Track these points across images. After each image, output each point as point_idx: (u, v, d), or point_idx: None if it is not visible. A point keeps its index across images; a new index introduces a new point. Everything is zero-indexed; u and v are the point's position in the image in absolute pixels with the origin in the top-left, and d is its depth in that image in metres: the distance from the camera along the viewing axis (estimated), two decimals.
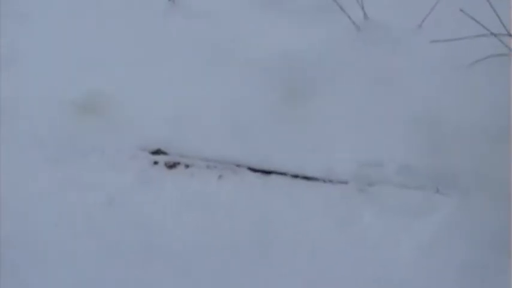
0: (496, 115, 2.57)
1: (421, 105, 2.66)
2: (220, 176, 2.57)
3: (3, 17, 3.22)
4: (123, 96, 2.83)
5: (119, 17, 3.17)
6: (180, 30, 3.08)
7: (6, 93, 2.88)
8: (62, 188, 2.55)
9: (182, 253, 2.35)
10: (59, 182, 2.57)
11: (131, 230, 2.42)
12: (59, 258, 2.37)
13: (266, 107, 2.73)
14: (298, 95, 2.77)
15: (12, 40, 3.12)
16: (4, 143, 2.71)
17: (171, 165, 2.64)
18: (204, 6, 3.16)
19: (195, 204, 2.49)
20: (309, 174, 2.54)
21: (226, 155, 2.62)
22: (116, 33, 3.09)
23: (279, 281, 2.28)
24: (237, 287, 2.28)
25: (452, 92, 2.70)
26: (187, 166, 2.63)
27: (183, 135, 2.70)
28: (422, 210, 2.38)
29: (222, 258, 2.34)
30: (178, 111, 2.76)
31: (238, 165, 2.60)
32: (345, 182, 2.49)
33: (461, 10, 2.64)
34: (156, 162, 2.64)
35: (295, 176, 2.54)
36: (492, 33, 2.66)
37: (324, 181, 2.52)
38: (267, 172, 2.57)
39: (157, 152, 2.67)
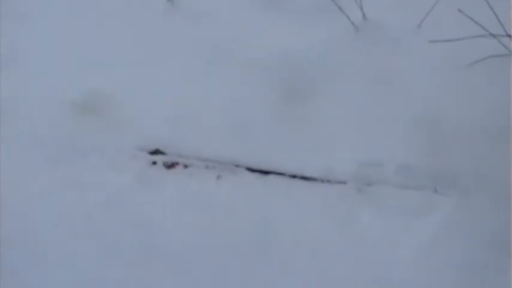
0: (496, 115, 2.57)
1: (421, 105, 2.66)
2: (218, 176, 2.57)
3: (3, 17, 3.21)
4: (123, 96, 2.83)
5: (119, 17, 3.17)
6: (180, 30, 3.08)
7: (6, 93, 2.87)
8: (62, 188, 2.55)
9: (182, 253, 2.35)
10: (59, 182, 2.57)
11: (131, 230, 2.42)
12: (59, 258, 2.37)
13: (266, 107, 2.73)
14: (298, 95, 2.77)
15: (12, 40, 3.11)
16: (4, 143, 2.71)
17: (170, 165, 2.64)
18: (204, 6, 3.16)
19: (195, 204, 2.49)
20: (308, 174, 2.54)
21: (225, 155, 2.62)
22: (116, 33, 3.09)
23: (279, 281, 2.28)
24: (237, 287, 2.28)
25: (452, 92, 2.70)
26: (186, 166, 2.63)
27: (183, 135, 2.70)
28: (422, 210, 2.39)
29: (222, 258, 2.34)
30: (178, 111, 2.76)
31: (236, 166, 2.60)
32: (344, 182, 2.49)
33: (459, 11, 2.64)
34: (154, 163, 2.64)
35: (294, 176, 2.54)
36: (491, 34, 2.66)
37: (322, 181, 2.52)
38: (266, 172, 2.57)
39: (155, 152, 2.67)
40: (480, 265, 2.24)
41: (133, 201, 2.50)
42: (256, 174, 2.57)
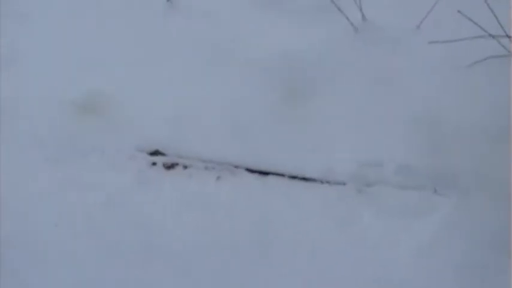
0: (496, 115, 2.57)
1: (421, 105, 2.66)
2: (218, 177, 2.57)
3: (3, 17, 3.21)
4: (123, 96, 2.83)
5: (119, 17, 3.17)
6: (180, 30, 3.08)
7: (6, 93, 2.87)
8: (62, 188, 2.55)
9: (182, 253, 2.35)
10: (59, 182, 2.57)
11: (131, 230, 2.42)
12: (59, 258, 2.37)
13: (266, 107, 2.73)
14: (298, 95, 2.77)
15: (12, 40, 3.11)
16: (4, 143, 2.71)
17: (169, 166, 2.64)
18: (204, 6, 3.16)
19: (194, 204, 2.49)
20: (308, 174, 2.54)
21: (224, 156, 2.62)
22: (116, 33, 3.09)
23: (279, 281, 2.28)
24: (237, 287, 2.28)
25: (452, 92, 2.70)
26: (185, 167, 2.62)
27: (183, 135, 2.70)
28: (422, 211, 2.39)
29: (222, 258, 2.33)
30: (178, 111, 2.76)
31: (236, 166, 2.60)
32: (343, 183, 2.49)
33: (459, 11, 2.64)
34: (154, 163, 2.64)
35: (293, 177, 2.54)
36: (491, 35, 2.66)
37: (322, 182, 2.52)
38: (265, 173, 2.57)
39: (155, 153, 2.67)
40: (480, 265, 2.24)
41: (133, 201, 2.50)
42: (256, 175, 2.57)
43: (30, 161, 2.65)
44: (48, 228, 2.45)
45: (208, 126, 2.71)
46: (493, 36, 2.66)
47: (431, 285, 2.23)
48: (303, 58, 2.88)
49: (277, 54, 2.88)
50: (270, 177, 2.56)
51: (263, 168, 2.58)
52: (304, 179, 2.53)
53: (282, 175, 2.55)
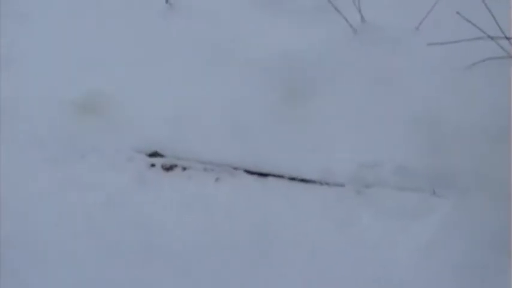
0: (495, 116, 2.57)
1: (421, 106, 2.67)
2: (217, 179, 2.57)
3: (3, 17, 3.22)
4: (123, 96, 2.83)
5: (119, 17, 3.17)
6: (180, 30, 3.08)
7: (6, 93, 2.87)
8: (62, 188, 2.55)
9: (182, 253, 2.35)
10: (59, 182, 2.57)
11: (131, 230, 2.42)
12: (59, 258, 2.37)
13: (266, 107, 2.73)
14: (298, 95, 2.77)
15: (12, 40, 3.12)
16: (4, 143, 2.71)
17: (168, 168, 2.63)
18: (204, 6, 3.17)
19: (194, 205, 2.49)
20: (308, 175, 2.54)
21: (223, 158, 2.62)
22: (116, 33, 3.09)
23: (279, 281, 2.28)
24: (237, 287, 2.28)
25: (451, 92, 2.70)
26: (184, 168, 2.62)
27: (182, 135, 2.70)
28: (421, 212, 2.39)
29: (222, 258, 2.33)
30: (178, 111, 2.76)
31: (235, 168, 2.60)
32: (342, 185, 2.50)
33: (457, 13, 2.64)
34: (153, 165, 2.64)
35: (292, 179, 2.54)
36: (489, 37, 2.66)
37: (321, 183, 2.52)
38: (264, 175, 2.57)
39: (154, 154, 2.67)
40: (480, 265, 2.24)
41: (133, 202, 2.50)
42: (255, 177, 2.57)
43: (30, 161, 2.65)
44: (48, 228, 2.45)
45: (208, 127, 2.71)
46: (492, 38, 2.66)
47: (431, 285, 2.23)
48: (302, 58, 2.88)
49: (277, 54, 2.88)
50: (269, 178, 2.56)
51: (262, 169, 2.58)
52: (304, 180, 2.54)
53: (281, 176, 2.55)
